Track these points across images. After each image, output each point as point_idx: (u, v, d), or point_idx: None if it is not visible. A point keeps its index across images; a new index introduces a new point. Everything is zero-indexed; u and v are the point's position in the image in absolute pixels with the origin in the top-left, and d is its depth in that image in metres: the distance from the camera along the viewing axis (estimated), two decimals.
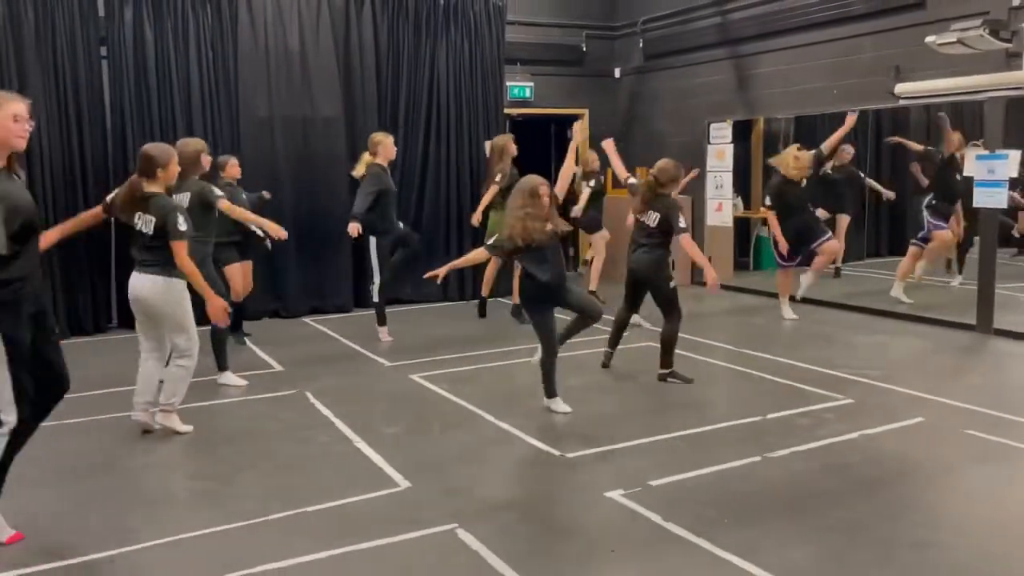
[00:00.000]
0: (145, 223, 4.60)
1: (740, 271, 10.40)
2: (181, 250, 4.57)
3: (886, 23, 7.95)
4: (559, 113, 11.15)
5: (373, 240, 6.98)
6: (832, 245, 7.90)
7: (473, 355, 6.77)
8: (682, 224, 5.70)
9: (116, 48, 7.92)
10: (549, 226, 5.04)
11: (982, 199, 7.14)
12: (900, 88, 7.62)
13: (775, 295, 8.37)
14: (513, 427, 4.96)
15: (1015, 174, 7.06)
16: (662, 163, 5.98)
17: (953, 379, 5.94)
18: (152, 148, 4.74)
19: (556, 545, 3.57)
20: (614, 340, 6.34)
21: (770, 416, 5.11)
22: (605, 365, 6.29)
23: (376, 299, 7.19)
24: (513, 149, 7.90)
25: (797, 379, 5.90)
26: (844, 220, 9.67)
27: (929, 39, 6.97)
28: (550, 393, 5.27)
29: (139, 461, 4.59)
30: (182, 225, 4.57)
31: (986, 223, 7.32)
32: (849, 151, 9.59)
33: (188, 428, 4.92)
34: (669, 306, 5.85)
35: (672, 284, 5.85)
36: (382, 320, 7.24)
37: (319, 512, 3.83)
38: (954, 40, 6.77)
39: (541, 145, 11.49)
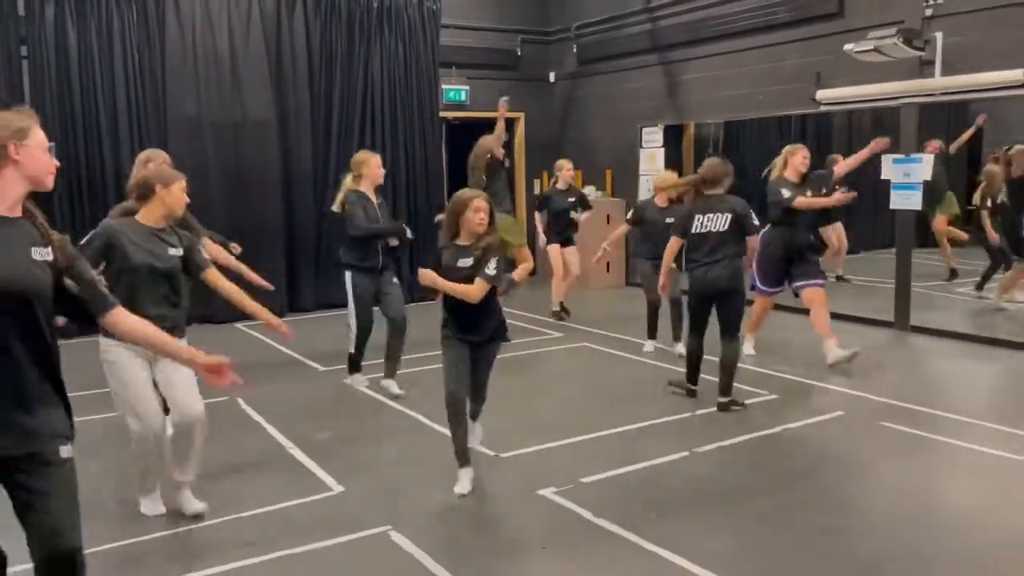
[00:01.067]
0: None
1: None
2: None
3: (808, 31, 8.23)
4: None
5: (349, 276, 5.77)
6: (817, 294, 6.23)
7: (409, 359, 6.75)
8: (755, 221, 5.22)
9: (37, 48, 7.70)
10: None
11: (898, 201, 7.46)
12: (821, 94, 7.89)
13: None
14: (448, 429, 4.97)
15: (929, 177, 7.39)
16: (709, 161, 5.41)
17: (871, 375, 6.18)
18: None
19: (489, 544, 3.62)
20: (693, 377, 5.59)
21: (699, 412, 5.26)
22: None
23: (352, 349, 5.99)
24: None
25: None
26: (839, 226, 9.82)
27: (847, 47, 7.24)
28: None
29: None
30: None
31: (902, 224, 7.65)
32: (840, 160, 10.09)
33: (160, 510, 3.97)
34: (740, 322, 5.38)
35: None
36: (354, 367, 6.07)
37: (252, 518, 3.81)
38: (871, 48, 7.05)
39: None
